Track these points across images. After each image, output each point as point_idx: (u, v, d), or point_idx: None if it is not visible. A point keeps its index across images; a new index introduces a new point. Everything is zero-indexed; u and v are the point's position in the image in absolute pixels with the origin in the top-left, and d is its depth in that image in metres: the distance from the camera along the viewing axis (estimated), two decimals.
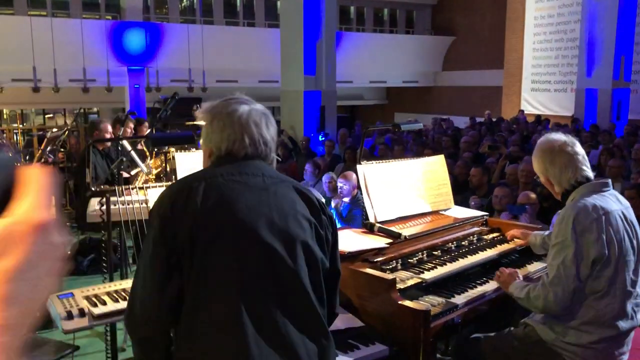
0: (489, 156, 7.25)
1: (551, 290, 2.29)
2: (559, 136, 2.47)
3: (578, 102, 13.37)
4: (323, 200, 1.73)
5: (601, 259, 2.24)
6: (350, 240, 2.80)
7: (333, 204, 5.53)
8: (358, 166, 3.11)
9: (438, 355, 3.17)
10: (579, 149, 2.44)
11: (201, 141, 1.73)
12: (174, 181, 3.01)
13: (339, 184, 5.42)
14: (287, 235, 1.53)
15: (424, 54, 20.38)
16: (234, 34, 15.49)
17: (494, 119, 14.17)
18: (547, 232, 2.96)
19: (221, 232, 1.49)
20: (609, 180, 2.45)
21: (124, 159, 4.46)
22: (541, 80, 17.50)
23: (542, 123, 12.96)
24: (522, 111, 15.93)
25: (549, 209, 4.89)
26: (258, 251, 1.50)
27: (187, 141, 3.32)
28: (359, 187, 4.01)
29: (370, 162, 3.22)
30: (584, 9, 13.05)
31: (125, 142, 4.70)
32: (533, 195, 4.90)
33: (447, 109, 17.29)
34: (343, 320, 2.37)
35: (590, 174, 2.42)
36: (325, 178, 5.87)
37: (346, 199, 5.35)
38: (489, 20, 19.00)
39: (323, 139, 9.34)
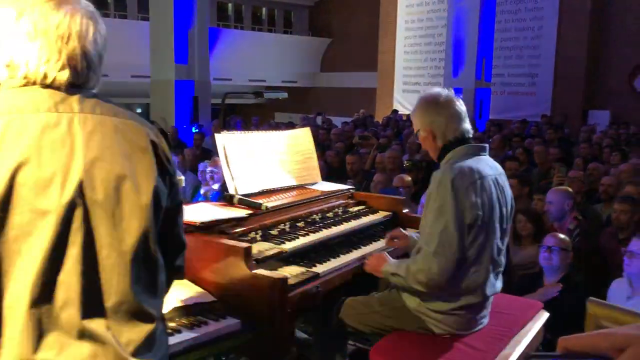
0: (361, 147, 7.44)
1: (435, 260, 2.12)
2: (443, 90, 2.40)
3: None
4: None
5: (475, 225, 2.15)
6: (204, 211, 2.54)
7: (202, 192, 5.24)
8: (217, 135, 2.86)
9: (302, 326, 3.01)
10: (462, 104, 2.39)
11: None
12: None
13: (208, 170, 5.14)
14: None
15: (302, 54, 20.53)
16: (104, 26, 14.51)
17: (368, 119, 14.56)
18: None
19: None
20: (487, 145, 2.41)
21: None
22: (411, 82, 18.27)
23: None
24: (396, 111, 16.51)
25: (418, 193, 4.97)
26: None
27: None
28: None
29: (232, 132, 2.99)
30: (450, 14, 13.76)
31: None
32: (408, 178, 4.97)
33: (326, 110, 17.49)
34: (192, 296, 2.11)
35: (470, 128, 2.37)
36: (200, 167, 5.59)
37: (216, 186, 5.08)
38: (364, 23, 19.53)
39: (196, 130, 8.94)
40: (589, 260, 3.86)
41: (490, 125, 11.12)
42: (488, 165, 2.29)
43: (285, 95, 3.36)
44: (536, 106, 15.14)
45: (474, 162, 2.23)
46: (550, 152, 7.03)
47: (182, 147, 7.53)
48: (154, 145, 1.32)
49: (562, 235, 3.48)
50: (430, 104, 2.36)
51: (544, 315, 2.60)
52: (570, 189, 4.42)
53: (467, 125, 2.35)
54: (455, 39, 13.50)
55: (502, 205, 2.29)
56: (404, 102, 18.23)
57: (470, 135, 2.35)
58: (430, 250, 2.14)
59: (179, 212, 1.42)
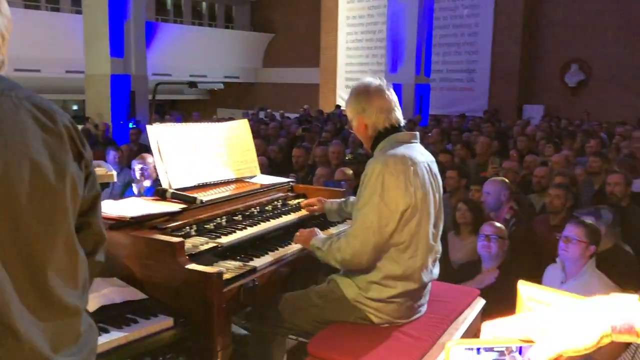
0: (303, 140, 7.42)
1: (351, 242, 2.18)
2: (375, 80, 2.38)
3: None
4: None
5: (407, 211, 2.17)
6: (135, 206, 2.44)
7: (135, 190, 5.06)
8: (149, 127, 2.75)
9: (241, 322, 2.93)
10: (393, 94, 2.38)
11: None
12: None
13: (138, 167, 4.95)
14: None
15: (245, 49, 20.32)
16: (35, 18, 13.93)
17: (312, 114, 14.58)
18: (343, 200, 2.87)
19: None
20: (417, 133, 2.42)
21: None
22: (354, 77, 18.37)
23: None
24: (339, 106, 16.59)
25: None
26: None
27: None
28: None
29: (165, 124, 2.89)
30: (389, 10, 13.91)
31: None
32: (349, 171, 4.97)
33: (270, 106, 17.38)
34: (121, 294, 2.02)
35: (401, 117, 2.37)
36: (133, 164, 5.38)
37: (147, 182, 4.90)
38: (306, 19, 19.51)
39: (133, 126, 8.67)
40: (524, 247, 3.97)
41: (429, 120, 11.34)
42: (419, 153, 2.31)
43: (221, 86, 3.27)
44: (474, 101, 15.56)
45: (406, 150, 2.25)
46: (493, 144, 7.22)
47: (114, 144, 7.30)
48: (67, 129, 1.23)
49: (498, 224, 3.56)
50: (361, 93, 2.35)
51: (481, 302, 2.64)
52: (506, 180, 4.54)
53: (399, 114, 2.36)
54: (394, 35, 13.65)
55: (435, 191, 2.32)
56: (346, 98, 18.29)
57: (402, 124, 2.36)
58: (349, 232, 2.22)
59: (97, 202, 1.34)
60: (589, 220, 3.17)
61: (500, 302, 3.04)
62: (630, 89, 13.49)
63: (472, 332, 2.51)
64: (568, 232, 3.08)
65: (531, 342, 0.72)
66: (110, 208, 2.37)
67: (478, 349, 0.75)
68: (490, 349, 0.75)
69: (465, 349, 0.75)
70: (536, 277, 3.65)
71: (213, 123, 3.13)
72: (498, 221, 3.89)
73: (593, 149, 6.66)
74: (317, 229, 2.50)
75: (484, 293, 2.76)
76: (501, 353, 0.75)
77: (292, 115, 14.18)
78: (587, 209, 3.73)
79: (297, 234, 2.51)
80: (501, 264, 3.45)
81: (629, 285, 3.10)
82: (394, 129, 2.32)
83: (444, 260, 3.34)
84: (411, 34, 13.21)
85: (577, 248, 3.01)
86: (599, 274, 3.03)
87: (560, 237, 3.21)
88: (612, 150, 7.38)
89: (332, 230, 2.85)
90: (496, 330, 0.74)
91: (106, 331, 1.81)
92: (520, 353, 0.76)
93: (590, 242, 3.02)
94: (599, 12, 13.77)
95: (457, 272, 3.60)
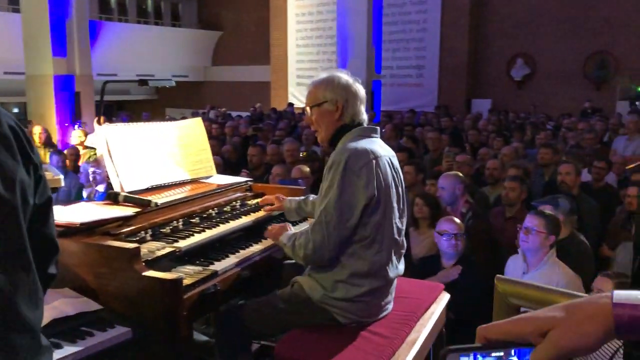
0: (256, 139, 7.34)
1: (312, 237, 2.14)
2: (348, 75, 2.35)
3: None
4: None
5: (370, 205, 2.13)
6: (85, 211, 2.31)
7: (85, 194, 4.86)
8: (98, 128, 2.62)
9: (200, 327, 2.83)
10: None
11: None
12: None
13: (90, 170, 4.77)
14: None
15: (193, 48, 19.96)
16: None
17: (264, 112, 14.45)
18: (303, 198, 2.81)
19: None
20: (378, 128, 2.40)
21: None
22: (305, 75, 18.33)
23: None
24: (292, 104, 16.50)
25: (316, 183, 4.94)
26: None
27: None
28: None
29: (115, 124, 2.75)
30: (338, 7, 13.90)
31: None
32: (306, 169, 4.91)
33: (220, 104, 17.12)
34: (74, 305, 1.89)
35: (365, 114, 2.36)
36: (82, 168, 5.19)
37: (100, 188, 4.72)
38: (254, 16, 19.32)
39: (79, 128, 8.34)
40: (482, 240, 4.01)
41: (381, 116, 11.42)
42: (381, 147, 2.28)
43: (172, 83, 3.15)
44: (424, 96, 15.78)
45: (367, 143, 2.22)
46: (442, 138, 7.30)
47: (56, 147, 6.99)
48: (12, 130, 1.12)
49: (455, 219, 3.57)
50: (348, 83, 2.32)
51: (446, 297, 2.63)
52: (460, 174, 4.57)
53: (364, 112, 2.37)
54: (344, 32, 13.66)
55: (398, 184, 2.30)
56: (298, 96, 18.25)
57: (366, 122, 2.35)
58: (311, 227, 2.19)
59: (49, 209, 1.22)
60: (547, 210, 3.22)
61: (464, 295, 3.06)
62: (573, 82, 13.96)
63: (438, 327, 2.49)
64: (528, 223, 3.11)
65: (530, 345, 0.68)
66: (58, 214, 2.23)
67: (475, 355, 0.70)
68: (488, 354, 0.70)
69: (461, 356, 0.69)
70: (497, 269, 3.70)
71: (165, 122, 3.01)
72: (455, 215, 3.91)
73: (543, 140, 6.82)
74: (289, 225, 2.45)
75: (447, 287, 2.75)
76: (498, 358, 0.71)
77: (244, 114, 13.99)
78: (545, 198, 3.79)
79: (269, 227, 2.46)
80: (461, 257, 3.46)
81: (585, 274, 3.17)
82: (358, 124, 2.30)
83: (406, 256, 3.33)
84: (361, 30, 13.24)
85: (537, 239, 3.04)
86: (559, 264, 3.08)
87: (519, 229, 3.25)
88: (559, 141, 7.59)
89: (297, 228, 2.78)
90: (491, 333, 0.69)
91: (59, 347, 1.69)
92: (518, 357, 0.71)
93: (550, 232, 3.07)
94: (542, 7, 14.17)
95: (417, 267, 3.60)
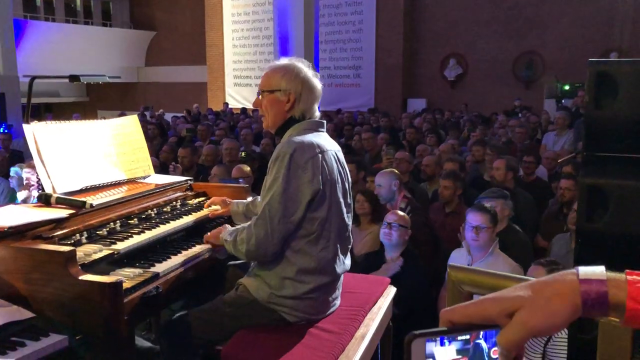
0: (191, 140, 7.21)
1: (254, 232, 2.08)
2: (308, 68, 2.29)
3: None
4: None
5: (314, 199, 2.10)
6: (14, 214, 2.16)
7: (20, 199, 4.58)
8: (25, 126, 2.46)
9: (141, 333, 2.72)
10: None
11: None
12: None
13: (25, 175, 4.50)
14: None
15: (125, 48, 19.40)
16: None
17: (202, 112, 14.22)
18: (250, 200, 2.75)
19: None
20: (324, 122, 2.35)
21: None
22: (243, 75, 18.17)
23: (248, 115, 13.44)
24: (227, 104, 16.30)
25: (256, 183, 4.88)
26: None
27: None
28: None
29: (43, 122, 2.60)
30: (275, 7, 13.85)
31: None
32: (247, 168, 4.84)
33: (155, 105, 16.69)
34: (2, 315, 1.76)
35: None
36: (12, 172, 4.88)
37: (36, 193, 4.46)
38: (189, 16, 18.98)
39: (5, 131, 7.91)
40: (422, 234, 4.07)
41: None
42: (327, 141, 2.25)
43: (106, 79, 3.01)
44: (361, 96, 15.95)
45: (314, 137, 2.18)
46: (380, 137, 7.39)
47: None
48: None
49: (401, 213, 3.61)
50: (306, 77, 2.24)
51: (392, 290, 2.64)
52: (395, 170, 4.63)
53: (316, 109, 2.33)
54: (281, 32, 13.62)
55: (344, 179, 2.28)
56: (236, 96, 18.06)
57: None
58: (254, 221, 2.13)
59: None
60: (488, 204, 3.30)
61: (408, 290, 3.09)
62: (503, 82, 14.48)
63: (386, 321, 2.50)
64: (475, 222, 3.16)
65: (496, 327, 0.66)
66: None
67: (442, 340, 0.67)
68: (454, 338, 0.68)
69: (427, 341, 0.67)
70: (439, 263, 3.76)
71: (99, 120, 2.87)
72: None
73: (477, 137, 7.03)
74: (227, 225, 2.38)
75: (392, 282, 2.76)
76: (465, 341, 0.69)
77: (179, 115, 13.68)
78: (487, 192, 3.88)
79: (208, 234, 2.39)
80: (403, 251, 3.50)
81: (523, 264, 3.26)
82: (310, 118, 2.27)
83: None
84: (298, 30, 13.23)
85: (486, 235, 3.11)
86: (503, 255, 3.16)
87: (463, 227, 3.30)
88: (492, 138, 7.85)
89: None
90: (456, 316, 0.67)
91: None
92: (485, 340, 0.69)
93: (495, 225, 3.15)
94: (473, 7, 14.61)
95: (362, 262, 3.61)
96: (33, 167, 4.46)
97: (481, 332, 0.70)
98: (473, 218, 3.18)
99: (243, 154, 6.13)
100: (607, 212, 1.51)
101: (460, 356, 0.70)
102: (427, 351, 0.67)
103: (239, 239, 2.14)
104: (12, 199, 4.95)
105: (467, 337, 0.69)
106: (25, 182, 4.51)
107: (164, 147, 6.66)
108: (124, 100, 19.45)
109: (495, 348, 0.70)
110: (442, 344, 0.67)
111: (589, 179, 1.57)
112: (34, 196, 4.47)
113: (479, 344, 0.70)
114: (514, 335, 0.63)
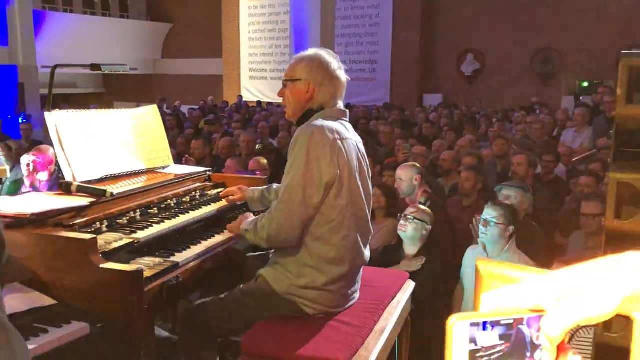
0: (208, 132, 7.20)
1: (275, 216, 2.07)
2: (334, 59, 2.25)
3: None
4: None
5: (333, 183, 2.08)
6: (35, 202, 2.17)
7: (28, 183, 4.60)
8: (46, 114, 2.47)
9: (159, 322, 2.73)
10: None
11: None
12: None
13: (31, 159, 4.50)
14: None
15: (142, 40, 19.47)
16: None
17: (217, 105, 14.24)
18: (266, 187, 2.74)
19: None
20: (347, 111, 2.33)
21: None
22: (258, 68, 18.17)
23: (263, 107, 13.45)
24: (241, 97, 16.31)
25: (273, 175, 4.87)
26: None
27: None
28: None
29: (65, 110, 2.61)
30: (291, 0, 13.81)
31: None
32: (264, 161, 4.82)
33: (170, 98, 16.75)
34: (25, 301, 1.77)
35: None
36: (23, 160, 4.90)
37: (42, 175, 4.46)
38: (206, 9, 18.99)
39: (24, 121, 7.97)
40: (441, 230, 4.03)
41: None
42: (348, 131, 2.23)
43: (127, 69, 3.03)
44: (377, 91, 15.87)
45: (334, 124, 2.16)
46: (395, 132, 7.34)
47: (4, 139, 6.66)
48: None
49: (423, 207, 3.57)
50: (330, 68, 2.21)
51: (411, 285, 2.61)
52: (417, 164, 4.59)
53: (341, 101, 2.29)
54: (297, 25, 13.58)
55: (364, 170, 2.26)
56: (251, 89, 18.07)
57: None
58: (273, 206, 2.12)
59: None
60: (513, 193, 3.25)
61: (425, 286, 3.06)
62: (520, 78, 14.32)
63: (405, 315, 2.48)
64: (486, 215, 3.13)
65: (542, 311, 0.64)
66: (6, 205, 2.10)
67: (484, 324, 0.65)
68: (497, 323, 0.65)
69: (471, 324, 0.64)
70: (455, 259, 3.73)
71: (119, 110, 2.88)
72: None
73: (497, 132, 6.96)
74: (249, 213, 2.39)
75: (412, 277, 2.74)
76: (508, 327, 0.66)
77: (195, 107, 13.72)
78: (510, 182, 3.85)
79: (230, 224, 2.40)
80: (423, 246, 3.46)
81: (541, 262, 3.22)
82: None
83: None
84: (314, 24, 13.19)
85: (496, 230, 3.07)
86: (519, 254, 3.11)
87: (477, 219, 3.26)
88: (509, 135, 7.77)
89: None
90: (499, 300, 0.65)
91: None
92: (529, 326, 0.67)
93: (509, 223, 3.09)
94: (491, 2, 14.45)
95: (380, 256, 3.58)
96: (41, 152, 4.49)
97: (525, 318, 0.67)
98: (485, 211, 3.15)
99: (260, 146, 6.13)
100: (638, 208, 1.48)
101: (502, 341, 0.68)
102: (470, 335, 0.64)
103: (260, 225, 2.13)
104: (15, 187, 4.89)
105: (511, 321, 0.66)
106: (31, 167, 4.44)
107: (179, 139, 6.67)
108: (140, 92, 19.53)
109: (539, 334, 0.67)
110: (484, 328, 0.65)
111: (619, 174, 1.53)
112: (39, 180, 4.48)
113: (521, 329, 0.67)
114: (558, 321, 0.61)
